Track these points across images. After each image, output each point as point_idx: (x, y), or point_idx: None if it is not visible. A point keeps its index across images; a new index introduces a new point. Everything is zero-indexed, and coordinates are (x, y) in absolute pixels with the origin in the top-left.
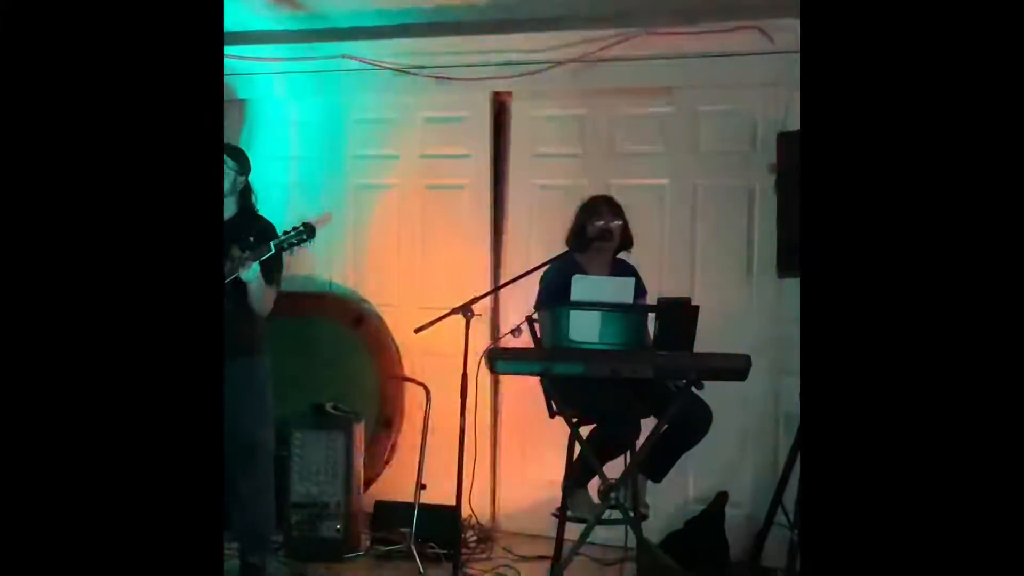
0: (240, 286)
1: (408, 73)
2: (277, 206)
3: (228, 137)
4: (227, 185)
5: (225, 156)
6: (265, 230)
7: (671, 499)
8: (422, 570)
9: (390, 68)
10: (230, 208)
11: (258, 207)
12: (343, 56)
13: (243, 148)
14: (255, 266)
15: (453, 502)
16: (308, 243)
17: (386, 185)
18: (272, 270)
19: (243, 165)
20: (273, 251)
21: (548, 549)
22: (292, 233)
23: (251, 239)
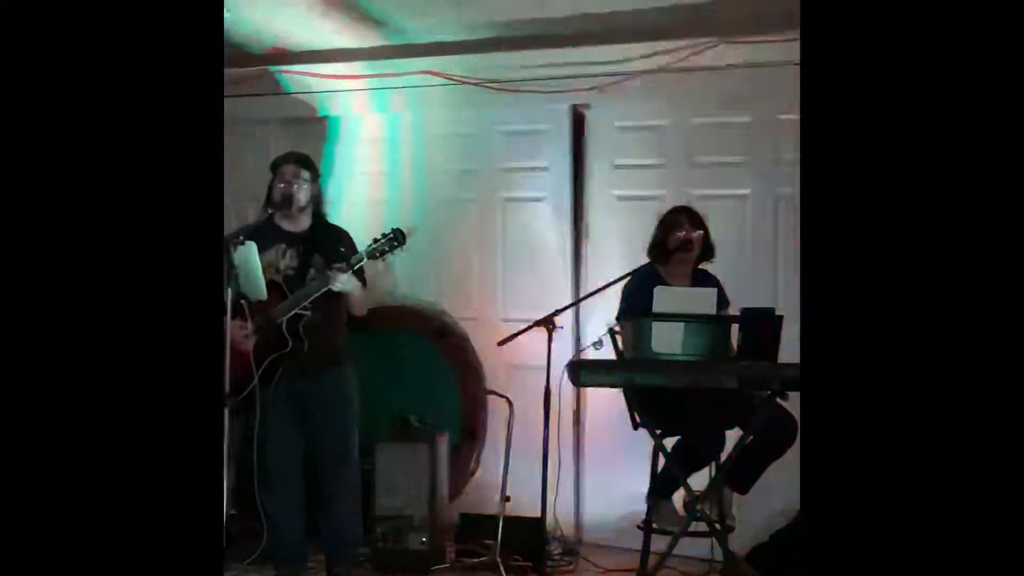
0: (331, 297)
1: (487, 87)
2: (360, 222)
3: (312, 155)
4: (304, 197)
5: (301, 168)
6: (345, 238)
7: (757, 511)
8: None
9: (469, 83)
10: (307, 219)
11: (328, 215)
12: (424, 72)
13: (326, 164)
14: (347, 276)
15: (538, 514)
16: (399, 249)
17: (466, 199)
18: (361, 274)
19: (314, 173)
20: (366, 259)
21: (633, 562)
22: (383, 240)
23: (341, 250)
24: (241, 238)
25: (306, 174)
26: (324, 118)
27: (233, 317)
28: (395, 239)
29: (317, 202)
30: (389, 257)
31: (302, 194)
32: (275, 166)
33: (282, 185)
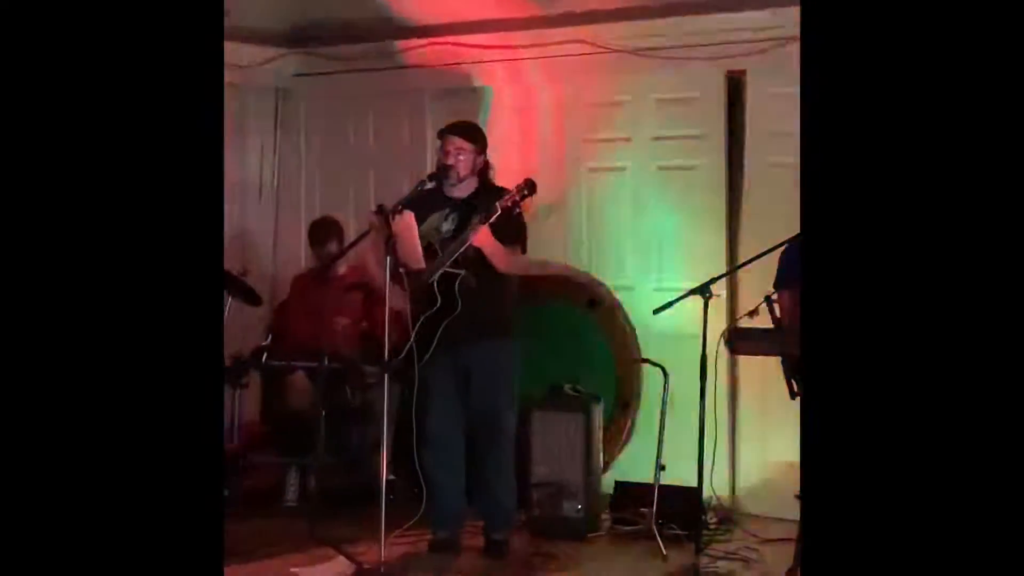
0: (484, 257)
1: (640, 55)
2: None
3: None
4: (464, 168)
5: (464, 139)
6: (497, 196)
7: None
8: (664, 550)
9: (622, 51)
10: (471, 185)
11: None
12: (576, 41)
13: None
14: (484, 229)
15: (693, 483)
16: (528, 197)
17: (619, 167)
18: (511, 231)
19: (480, 144)
20: (499, 211)
21: (791, 531)
22: (513, 190)
23: (475, 205)
24: (400, 208)
25: (468, 145)
26: (477, 88)
27: (392, 283)
28: (524, 187)
29: (482, 172)
30: (520, 207)
31: (461, 165)
32: (441, 134)
33: (444, 155)
